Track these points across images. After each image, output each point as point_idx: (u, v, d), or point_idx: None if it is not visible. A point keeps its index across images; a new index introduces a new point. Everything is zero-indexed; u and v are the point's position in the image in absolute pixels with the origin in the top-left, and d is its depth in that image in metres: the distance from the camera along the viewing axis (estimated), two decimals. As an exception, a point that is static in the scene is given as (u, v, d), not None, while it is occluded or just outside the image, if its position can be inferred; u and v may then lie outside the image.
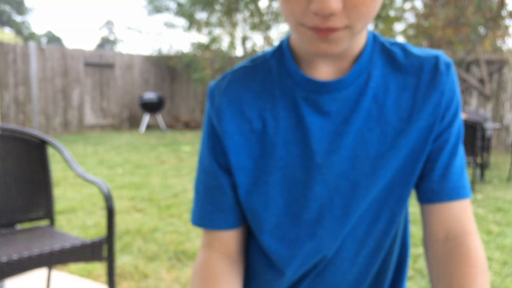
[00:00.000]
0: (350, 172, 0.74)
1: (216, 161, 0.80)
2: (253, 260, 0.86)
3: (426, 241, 0.78)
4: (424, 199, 0.77)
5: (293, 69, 0.76)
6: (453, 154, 0.76)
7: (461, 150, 0.78)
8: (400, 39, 11.37)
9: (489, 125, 6.55)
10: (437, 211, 0.76)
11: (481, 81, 9.65)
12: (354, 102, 0.74)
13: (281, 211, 0.77)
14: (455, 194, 0.75)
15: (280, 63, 0.78)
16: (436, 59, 0.75)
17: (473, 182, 5.68)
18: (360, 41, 0.74)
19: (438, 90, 0.74)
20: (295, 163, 0.76)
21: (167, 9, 13.73)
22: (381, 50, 0.77)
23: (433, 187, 0.75)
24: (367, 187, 0.74)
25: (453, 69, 0.76)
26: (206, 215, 0.81)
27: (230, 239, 0.82)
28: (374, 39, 0.77)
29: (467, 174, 0.79)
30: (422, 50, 0.77)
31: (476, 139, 5.44)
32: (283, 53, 0.79)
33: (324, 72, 0.75)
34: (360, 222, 0.77)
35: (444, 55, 0.76)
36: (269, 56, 0.80)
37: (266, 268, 0.84)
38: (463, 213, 0.75)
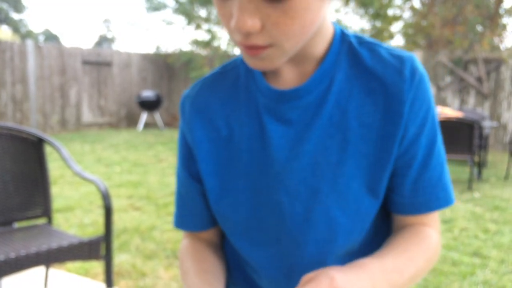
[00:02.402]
0: (311, 179, 0.73)
1: (187, 170, 0.83)
2: (232, 255, 0.89)
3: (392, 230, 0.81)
4: (394, 210, 0.77)
5: (258, 77, 0.76)
6: (424, 167, 0.73)
7: (436, 158, 0.74)
8: (398, 38, 11.37)
9: (487, 124, 6.56)
10: (407, 219, 0.77)
11: (479, 79, 9.66)
12: (315, 109, 0.72)
13: (249, 215, 0.78)
14: (425, 208, 0.75)
15: (248, 70, 0.78)
16: (402, 65, 0.70)
17: (470, 181, 5.69)
18: (322, 43, 0.72)
19: (400, 100, 0.69)
20: (258, 170, 0.76)
21: (165, 6, 13.71)
22: (348, 51, 0.74)
23: (404, 202, 0.75)
24: (327, 194, 0.73)
25: (420, 76, 0.71)
26: (182, 219, 0.88)
27: (207, 235, 0.88)
28: (342, 38, 0.74)
29: (447, 178, 0.76)
30: (392, 53, 0.73)
31: (473, 137, 5.46)
32: None
33: (287, 77, 0.74)
34: (325, 230, 0.75)
35: (413, 60, 0.71)
36: (239, 62, 0.81)
37: (243, 264, 0.86)
38: (430, 220, 0.77)
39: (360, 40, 0.75)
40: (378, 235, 0.81)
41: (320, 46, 0.72)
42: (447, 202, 0.75)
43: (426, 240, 0.74)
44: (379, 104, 0.71)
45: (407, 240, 0.73)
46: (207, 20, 13.02)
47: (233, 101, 0.78)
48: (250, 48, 0.62)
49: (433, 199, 0.74)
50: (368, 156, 0.72)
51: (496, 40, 10.00)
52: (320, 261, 0.76)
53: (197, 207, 0.85)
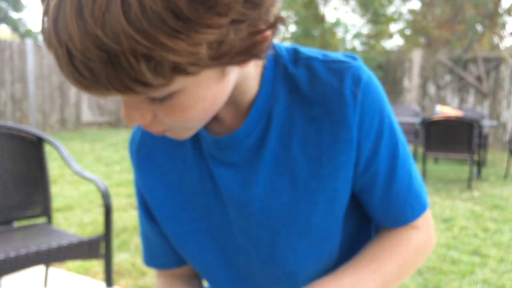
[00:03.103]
0: (267, 222, 0.70)
1: (147, 213, 0.80)
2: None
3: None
4: (374, 221, 0.78)
5: None
6: (391, 181, 0.69)
7: (401, 167, 0.69)
8: (397, 38, 11.38)
9: (486, 123, 6.56)
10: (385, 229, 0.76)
11: (479, 79, 9.66)
12: (257, 150, 0.67)
13: (217, 256, 0.76)
14: (401, 220, 0.73)
15: None
16: (341, 82, 0.63)
17: (470, 180, 5.69)
18: (252, 81, 0.64)
19: (345, 125, 0.63)
20: (216, 212, 0.73)
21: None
22: (284, 76, 0.66)
23: (378, 217, 0.73)
24: (288, 233, 0.70)
25: (364, 86, 0.63)
26: (151, 258, 0.84)
27: (181, 271, 0.85)
28: (275, 64, 0.67)
29: (417, 183, 0.73)
30: (330, 67, 0.65)
31: (473, 136, 5.46)
32: None
33: (226, 120, 0.68)
34: (294, 262, 0.73)
35: (352, 71, 0.64)
36: None
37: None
38: (414, 221, 0.75)
39: (295, 57, 0.67)
40: (358, 238, 0.79)
41: (250, 84, 0.64)
42: (422, 208, 0.73)
43: (401, 243, 0.72)
44: (324, 132, 0.65)
45: (377, 248, 0.72)
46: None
47: (178, 145, 0.74)
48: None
49: (407, 210, 0.72)
50: (323, 191, 0.68)
51: (495, 39, 10.01)
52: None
53: (165, 248, 0.81)
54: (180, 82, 0.49)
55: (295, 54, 0.68)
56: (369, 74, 0.65)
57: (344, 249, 0.77)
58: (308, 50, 0.68)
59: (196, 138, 0.72)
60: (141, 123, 0.55)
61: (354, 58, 0.66)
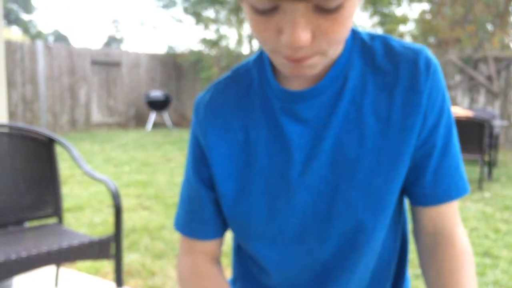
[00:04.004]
0: (330, 177, 0.74)
1: (199, 175, 0.82)
2: (239, 261, 0.90)
3: (417, 234, 0.82)
4: (416, 202, 0.78)
5: (270, 79, 0.76)
6: (444, 156, 0.74)
7: (453, 147, 0.76)
8: (407, 38, 11.33)
9: (497, 123, 6.51)
10: (428, 211, 0.78)
11: (489, 78, 9.60)
12: (331, 107, 0.73)
13: (267, 218, 0.78)
14: (446, 197, 0.76)
15: (261, 72, 0.78)
16: (416, 56, 0.72)
17: (480, 180, 5.65)
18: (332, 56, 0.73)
19: (417, 91, 0.71)
20: (277, 172, 0.76)
21: (175, 3, 13.79)
22: (361, 48, 0.75)
23: (425, 193, 0.76)
24: (348, 190, 0.74)
25: (435, 66, 0.72)
26: (187, 224, 0.85)
27: (211, 246, 0.85)
28: (353, 36, 0.75)
29: (463, 167, 0.78)
30: (404, 45, 0.74)
31: (483, 136, 5.42)
32: (263, 62, 0.79)
33: (296, 82, 0.74)
34: (348, 224, 0.76)
35: (426, 52, 0.73)
36: (251, 65, 0.81)
37: (254, 268, 0.86)
38: (451, 210, 0.78)
39: (372, 36, 0.76)
40: (392, 228, 0.81)
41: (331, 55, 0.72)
42: (465, 190, 0.77)
43: (466, 259, 0.75)
44: (395, 97, 0.72)
45: (461, 277, 0.73)
46: (215, 20, 13.05)
47: (247, 105, 0.78)
48: (296, 60, 0.63)
49: (453, 187, 0.76)
50: (388, 151, 0.72)
51: (506, 38, 9.93)
52: (344, 256, 0.77)
53: (207, 214, 0.83)
54: None
55: (371, 34, 0.77)
56: (436, 60, 0.73)
57: (385, 237, 0.79)
58: (383, 34, 0.78)
59: (267, 99, 0.76)
60: (305, 44, 0.59)
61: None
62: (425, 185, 0.75)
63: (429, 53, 0.73)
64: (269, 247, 0.79)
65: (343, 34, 0.61)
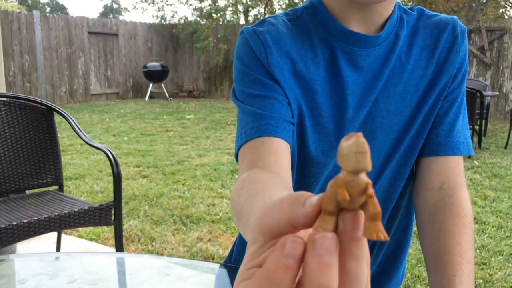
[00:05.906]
0: (370, 126, 0.81)
1: (266, 76, 0.76)
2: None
3: (418, 190, 0.84)
4: (427, 152, 0.83)
5: (332, 22, 0.79)
6: (459, 112, 0.83)
7: (465, 110, 0.85)
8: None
9: (488, 93, 6.54)
10: (437, 163, 0.82)
11: (482, 49, 9.57)
12: (383, 59, 0.80)
13: (312, 158, 0.81)
14: (458, 149, 0.82)
15: (313, 18, 0.81)
16: (454, 23, 0.83)
17: (473, 149, 5.71)
18: (390, 5, 0.81)
19: (455, 52, 0.81)
20: (329, 114, 0.79)
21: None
22: (404, 12, 0.84)
23: (439, 141, 0.82)
24: (383, 141, 0.81)
25: (467, 33, 0.84)
26: (256, 127, 0.73)
27: (279, 154, 0.72)
28: (398, 5, 0.83)
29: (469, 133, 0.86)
30: (438, 15, 0.85)
31: (474, 106, 5.47)
32: (316, 9, 0.81)
33: (355, 29, 0.79)
34: (374, 173, 0.83)
35: (458, 20, 0.84)
36: (300, 13, 0.82)
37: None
38: (458, 167, 0.82)
39: (409, 6, 0.86)
40: (405, 191, 0.90)
41: (390, 6, 0.80)
42: (470, 150, 0.84)
43: (467, 220, 0.77)
44: (434, 57, 0.81)
45: (459, 239, 0.75)
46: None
47: (307, 43, 0.79)
48: None
49: (462, 142, 0.83)
50: (425, 105, 0.81)
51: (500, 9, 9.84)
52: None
53: (280, 110, 0.75)
54: None
55: (408, 6, 0.87)
56: None
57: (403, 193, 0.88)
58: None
59: (325, 42, 0.79)
60: None
61: None
62: (441, 133, 0.82)
63: (461, 23, 0.84)
64: (315, 181, 0.84)
65: None
